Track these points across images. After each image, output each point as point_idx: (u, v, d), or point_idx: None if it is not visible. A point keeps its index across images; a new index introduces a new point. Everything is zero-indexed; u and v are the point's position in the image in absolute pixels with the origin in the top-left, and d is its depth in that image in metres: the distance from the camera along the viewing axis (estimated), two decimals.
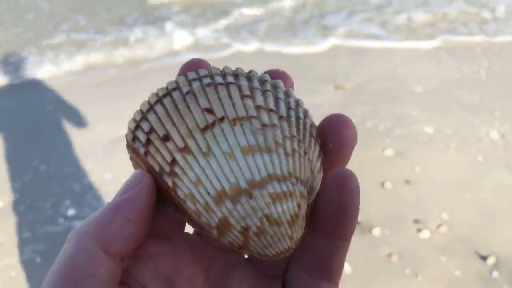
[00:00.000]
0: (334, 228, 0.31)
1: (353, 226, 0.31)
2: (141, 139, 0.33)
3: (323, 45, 3.29)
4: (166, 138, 0.31)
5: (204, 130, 0.30)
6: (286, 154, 0.30)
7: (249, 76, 0.34)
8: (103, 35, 3.51)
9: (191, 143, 0.30)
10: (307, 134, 0.32)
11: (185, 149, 0.30)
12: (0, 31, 3.64)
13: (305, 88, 2.55)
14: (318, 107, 2.36)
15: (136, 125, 0.33)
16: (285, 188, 0.30)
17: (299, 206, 0.30)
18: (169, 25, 3.54)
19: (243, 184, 0.29)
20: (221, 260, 0.35)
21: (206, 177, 0.30)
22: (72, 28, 3.66)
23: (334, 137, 0.32)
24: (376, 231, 1.61)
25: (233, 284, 0.34)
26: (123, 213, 0.30)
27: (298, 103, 0.34)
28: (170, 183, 0.31)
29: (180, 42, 3.36)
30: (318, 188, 0.33)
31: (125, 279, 0.31)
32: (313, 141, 0.33)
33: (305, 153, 0.32)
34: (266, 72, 0.35)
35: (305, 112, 0.34)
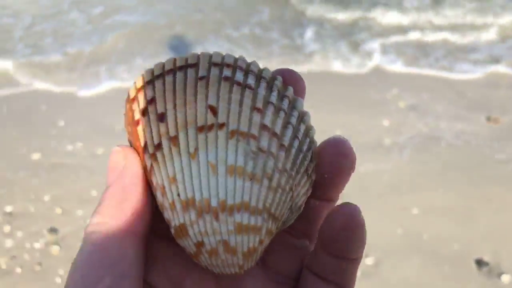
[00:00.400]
0: (342, 251, 0.30)
1: (362, 249, 0.31)
2: (140, 104, 0.31)
3: (481, 71, 3.04)
4: (162, 118, 0.30)
5: (200, 129, 0.29)
6: (269, 188, 0.29)
7: (271, 84, 0.32)
8: None
9: (182, 137, 0.29)
10: (301, 170, 0.31)
11: (174, 140, 0.29)
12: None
13: (451, 113, 2.40)
14: (460, 134, 2.21)
15: (142, 86, 0.32)
16: (253, 222, 0.29)
17: (261, 242, 0.29)
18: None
19: (214, 203, 0.28)
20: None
21: (182, 178, 0.28)
22: None
23: (330, 167, 0.31)
24: (506, 278, 1.47)
25: (248, 283, 0.33)
26: (131, 188, 0.30)
27: (308, 133, 0.32)
28: (148, 165, 0.30)
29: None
30: (291, 222, 0.32)
31: None
32: (305, 178, 0.31)
33: (290, 189, 0.30)
34: (278, 71, 0.33)
35: (310, 144, 0.32)
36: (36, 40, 3.35)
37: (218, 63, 0.31)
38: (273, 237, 0.31)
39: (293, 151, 0.30)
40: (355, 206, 0.30)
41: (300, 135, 0.31)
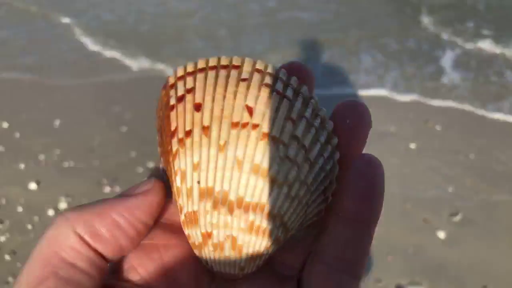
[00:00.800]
0: (359, 208, 0.29)
1: (378, 210, 0.29)
2: (178, 91, 0.31)
3: None
4: (198, 107, 0.30)
5: (233, 125, 0.29)
6: (287, 196, 0.29)
7: (308, 101, 0.31)
8: None
9: (214, 128, 0.29)
10: (320, 188, 0.31)
11: (206, 130, 0.29)
12: None
13: None
14: None
15: (183, 75, 0.32)
16: (265, 225, 0.28)
17: (267, 247, 0.29)
18: None
19: (232, 197, 0.28)
20: None
21: (206, 166, 0.28)
22: None
23: (352, 116, 0.31)
24: None
25: (243, 284, 0.32)
26: (114, 214, 0.28)
27: (333, 155, 0.31)
28: (174, 148, 0.30)
29: None
30: (296, 238, 0.32)
31: (127, 269, 0.30)
32: (321, 197, 0.31)
33: (306, 203, 0.30)
34: (289, 65, 0.34)
35: (333, 167, 0.31)
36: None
37: (261, 70, 0.31)
38: (278, 247, 0.30)
39: (317, 167, 0.30)
40: (374, 156, 0.30)
41: (326, 154, 0.31)
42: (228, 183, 0.28)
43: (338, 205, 0.30)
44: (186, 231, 0.30)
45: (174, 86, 0.32)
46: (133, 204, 0.29)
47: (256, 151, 0.28)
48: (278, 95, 0.30)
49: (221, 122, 0.29)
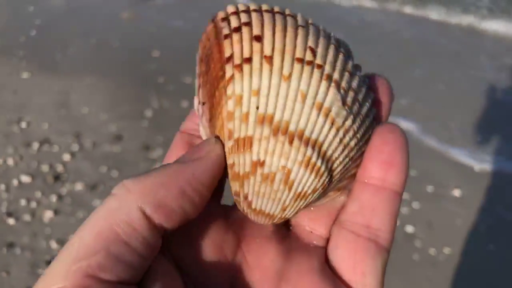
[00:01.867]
0: (385, 174, 0.29)
1: (405, 177, 0.29)
2: (232, 23, 0.30)
3: None
4: (258, 38, 0.28)
5: (297, 60, 0.28)
6: (341, 141, 0.28)
7: (358, 67, 0.32)
8: None
9: (277, 59, 0.28)
10: (363, 146, 0.31)
11: (268, 59, 0.28)
12: None
13: None
14: None
15: (235, 11, 0.31)
16: (319, 164, 0.28)
17: (313, 191, 0.28)
18: None
19: (292, 127, 0.27)
20: (256, 232, 0.32)
21: (267, 93, 0.27)
22: None
23: (377, 87, 0.32)
24: None
25: (269, 253, 0.31)
26: (180, 182, 0.27)
27: (373, 121, 0.31)
28: (228, 73, 0.28)
29: None
30: (328, 196, 0.31)
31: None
32: (360, 152, 0.30)
33: (352, 158, 0.29)
34: (368, 75, 0.33)
35: (371, 127, 0.31)
36: None
37: (314, 24, 0.31)
38: (319, 196, 0.29)
39: (366, 123, 0.30)
40: (398, 127, 0.30)
41: (370, 115, 0.30)
42: (290, 113, 0.27)
43: (364, 172, 0.30)
44: (232, 159, 0.28)
45: (226, 19, 0.30)
46: (199, 169, 0.27)
47: (319, 90, 0.27)
48: (334, 47, 0.30)
49: (284, 54, 0.28)
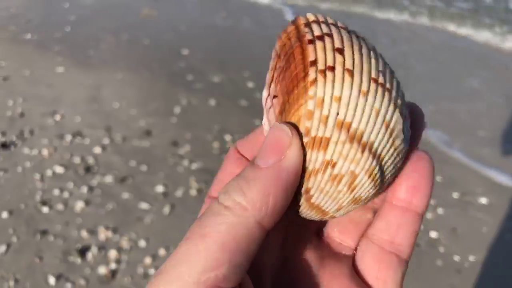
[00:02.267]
0: (411, 198, 0.33)
1: (428, 200, 0.33)
2: (315, 30, 0.32)
3: None
4: (340, 51, 0.31)
5: (373, 80, 0.30)
6: (392, 163, 0.31)
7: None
8: None
9: (356, 75, 0.30)
10: (403, 155, 0.33)
11: (349, 72, 0.30)
12: None
13: None
14: None
15: (315, 20, 0.33)
16: (377, 176, 0.31)
17: (366, 199, 0.32)
18: None
19: (365, 138, 0.29)
20: (297, 234, 0.36)
21: (347, 102, 0.29)
22: None
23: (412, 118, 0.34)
24: None
25: (305, 258, 0.35)
26: (281, 184, 0.29)
27: (407, 127, 0.33)
28: (312, 76, 0.30)
29: None
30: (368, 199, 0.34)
31: None
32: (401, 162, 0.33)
33: (396, 165, 0.32)
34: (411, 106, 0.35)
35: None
36: None
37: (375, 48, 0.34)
38: (366, 203, 0.33)
39: (406, 136, 0.32)
40: (428, 157, 0.33)
41: (409, 141, 0.33)
42: (365, 125, 0.29)
43: (393, 194, 0.33)
44: (308, 153, 0.30)
45: (308, 25, 0.32)
46: (290, 167, 0.29)
47: (388, 110, 0.30)
48: (392, 75, 0.32)
49: (362, 72, 0.30)
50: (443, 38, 3.95)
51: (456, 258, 1.81)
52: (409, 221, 0.33)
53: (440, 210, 2.03)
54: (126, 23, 3.88)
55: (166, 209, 1.96)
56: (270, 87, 0.34)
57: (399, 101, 0.31)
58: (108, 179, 2.13)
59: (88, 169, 2.18)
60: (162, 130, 2.50)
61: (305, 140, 0.30)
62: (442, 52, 3.69)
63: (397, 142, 0.31)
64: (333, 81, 0.29)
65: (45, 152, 2.28)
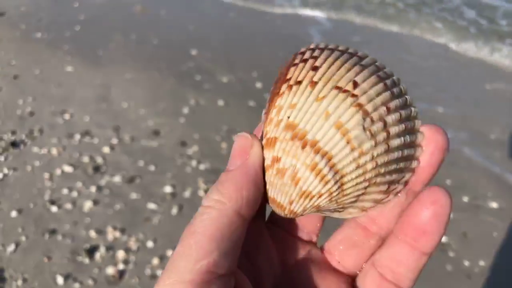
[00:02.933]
0: (418, 237, 0.32)
1: (437, 242, 0.32)
2: (305, 55, 0.36)
3: None
4: (316, 68, 0.34)
5: (336, 87, 0.33)
6: (354, 161, 0.32)
7: (408, 108, 0.35)
8: None
9: (320, 85, 0.33)
10: (387, 178, 0.34)
11: (313, 84, 0.33)
12: None
13: None
14: None
15: (313, 48, 0.37)
16: (325, 172, 0.32)
17: (319, 195, 0.33)
18: None
19: (309, 137, 0.32)
20: (296, 249, 0.39)
21: (300, 107, 0.33)
22: None
23: (430, 144, 0.33)
24: None
25: (305, 269, 0.37)
26: (252, 179, 0.33)
27: (411, 158, 0.34)
28: (281, 91, 0.35)
29: None
30: (348, 214, 0.36)
31: None
32: (385, 186, 0.34)
33: (368, 181, 0.33)
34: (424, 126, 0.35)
35: (407, 170, 0.34)
36: None
37: (379, 66, 0.35)
38: (327, 204, 0.34)
39: (392, 156, 0.33)
40: (444, 188, 0.31)
41: (405, 153, 0.33)
42: (311, 126, 0.32)
43: (399, 229, 0.33)
44: (264, 153, 0.34)
45: (302, 53, 0.37)
46: (256, 163, 0.34)
47: (345, 113, 0.32)
48: (385, 86, 0.34)
49: (327, 82, 0.33)
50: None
51: (466, 263, 1.79)
52: (412, 258, 0.33)
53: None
54: (135, 23, 3.89)
55: (174, 210, 1.96)
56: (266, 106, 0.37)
57: (368, 106, 0.32)
58: (117, 179, 2.13)
59: (96, 168, 2.19)
60: (170, 130, 2.50)
61: (263, 142, 0.34)
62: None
63: (355, 142, 0.32)
64: (296, 92, 0.34)
65: (54, 151, 2.29)
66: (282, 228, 0.40)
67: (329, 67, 0.34)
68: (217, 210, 0.32)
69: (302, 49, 0.38)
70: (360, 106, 0.32)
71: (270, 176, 0.34)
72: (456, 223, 1.98)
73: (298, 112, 0.33)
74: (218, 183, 0.34)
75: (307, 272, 0.37)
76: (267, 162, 0.34)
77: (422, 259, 0.33)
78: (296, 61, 0.36)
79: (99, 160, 2.25)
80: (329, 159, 0.32)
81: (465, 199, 2.12)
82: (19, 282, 1.61)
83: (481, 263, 1.79)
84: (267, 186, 0.35)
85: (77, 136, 2.41)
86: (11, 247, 1.74)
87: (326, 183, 0.33)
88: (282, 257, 0.38)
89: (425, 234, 0.32)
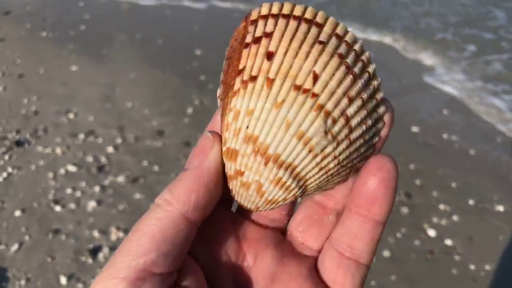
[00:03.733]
0: (369, 206, 0.32)
1: (388, 209, 0.33)
2: (258, 30, 0.33)
3: None
4: (270, 56, 0.31)
5: (295, 88, 0.31)
6: (317, 165, 0.32)
7: (370, 83, 0.33)
8: None
9: (277, 83, 0.31)
10: (348, 165, 0.33)
11: (269, 83, 0.31)
12: None
13: None
14: None
15: (266, 15, 0.33)
16: (289, 183, 0.32)
17: (284, 200, 0.33)
18: None
19: (271, 151, 0.31)
20: (257, 232, 0.38)
21: (258, 115, 0.31)
22: None
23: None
24: None
25: (266, 257, 0.37)
26: (203, 182, 0.32)
27: (371, 143, 0.34)
28: (236, 86, 0.32)
29: None
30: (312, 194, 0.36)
31: None
32: (345, 173, 0.34)
33: (331, 175, 0.33)
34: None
35: (365, 155, 0.34)
36: None
37: (340, 36, 0.33)
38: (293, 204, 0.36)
39: (353, 147, 0.33)
40: (389, 156, 0.32)
41: (367, 139, 0.33)
42: (272, 138, 0.31)
43: (351, 202, 0.33)
44: (224, 160, 0.33)
45: (255, 22, 0.33)
46: (211, 166, 0.33)
47: (305, 120, 0.31)
48: (346, 69, 0.32)
49: (285, 79, 0.31)
50: None
51: (472, 266, 1.77)
52: (367, 230, 0.33)
53: (455, 217, 1.99)
54: (140, 22, 3.89)
55: None
56: (220, 87, 0.36)
57: (328, 105, 0.31)
58: (120, 178, 2.13)
59: (100, 168, 2.19)
60: (174, 130, 2.49)
61: (223, 149, 0.33)
62: None
63: (318, 148, 0.31)
64: (252, 93, 0.31)
65: (58, 150, 2.29)
66: (247, 217, 0.39)
67: (285, 53, 0.31)
68: (163, 211, 0.32)
69: (254, 15, 0.34)
70: (320, 108, 0.31)
71: (235, 186, 0.34)
72: (462, 226, 1.96)
73: (257, 122, 0.31)
74: (172, 182, 0.33)
75: (267, 261, 0.37)
76: (230, 173, 0.33)
77: (378, 229, 0.33)
78: (248, 38, 0.33)
79: (103, 160, 2.25)
80: (293, 170, 0.32)
81: (471, 202, 2.10)
82: (22, 282, 1.61)
83: (487, 267, 1.78)
84: (233, 193, 0.34)
85: (81, 136, 2.41)
86: (14, 247, 1.74)
87: (291, 191, 0.33)
88: (244, 247, 0.38)
89: (376, 201, 0.32)
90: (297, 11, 0.33)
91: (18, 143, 2.33)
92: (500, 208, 2.07)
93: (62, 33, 3.65)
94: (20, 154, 2.26)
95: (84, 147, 2.33)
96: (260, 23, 0.33)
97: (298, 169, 0.32)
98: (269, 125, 0.31)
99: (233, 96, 0.32)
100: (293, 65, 0.31)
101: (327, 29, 0.33)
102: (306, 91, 0.31)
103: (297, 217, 0.39)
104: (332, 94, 0.31)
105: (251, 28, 0.33)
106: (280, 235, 0.39)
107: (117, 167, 2.21)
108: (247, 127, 0.31)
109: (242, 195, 0.34)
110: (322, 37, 0.32)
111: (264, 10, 0.34)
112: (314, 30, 0.32)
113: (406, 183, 2.17)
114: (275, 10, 0.33)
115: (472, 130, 2.67)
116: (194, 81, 2.98)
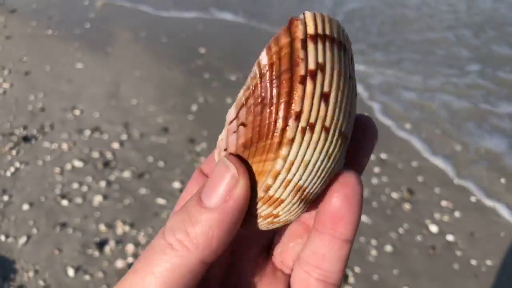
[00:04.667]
0: (334, 226, 0.31)
1: (354, 226, 0.32)
2: (309, 60, 0.28)
3: None
4: (326, 98, 0.28)
5: (340, 135, 0.30)
6: (321, 189, 0.32)
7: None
8: None
9: (331, 132, 0.29)
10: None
11: (326, 131, 0.29)
12: None
13: None
14: None
15: (314, 35, 0.29)
16: (304, 211, 0.33)
17: (278, 223, 0.33)
18: None
19: (309, 195, 0.31)
20: (245, 248, 0.38)
21: (312, 169, 0.30)
22: None
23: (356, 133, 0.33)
24: None
25: (248, 274, 0.37)
26: (226, 226, 0.30)
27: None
28: (290, 133, 0.28)
29: None
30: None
31: None
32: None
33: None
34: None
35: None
36: None
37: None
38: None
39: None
40: (355, 174, 0.31)
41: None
42: (317, 187, 0.31)
43: (317, 222, 0.32)
44: (259, 204, 0.32)
45: (304, 43, 0.28)
46: (235, 211, 0.30)
47: (338, 162, 0.31)
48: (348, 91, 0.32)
49: (336, 128, 0.29)
50: None
51: (474, 262, 1.79)
52: (334, 250, 0.32)
53: (457, 214, 2.01)
54: (145, 20, 3.92)
55: None
56: (240, 109, 0.31)
57: (347, 141, 0.31)
58: (126, 174, 2.15)
59: (106, 164, 2.21)
60: (179, 127, 2.52)
61: (261, 194, 0.30)
62: None
63: (325, 174, 0.31)
64: (308, 144, 0.28)
65: (64, 146, 2.32)
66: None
67: (336, 96, 0.28)
68: (179, 256, 0.29)
69: (299, 30, 0.28)
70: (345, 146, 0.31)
71: (260, 223, 0.33)
72: (463, 222, 1.98)
73: (309, 175, 0.29)
74: (187, 218, 0.30)
75: (247, 278, 0.37)
76: (262, 214, 0.32)
77: (344, 248, 0.32)
78: (301, 68, 0.28)
79: (109, 155, 2.28)
80: (310, 199, 0.32)
81: (473, 198, 2.12)
82: (31, 274, 1.63)
83: (488, 262, 1.79)
84: (248, 214, 0.32)
85: (87, 132, 2.44)
86: (22, 239, 1.77)
87: (296, 213, 0.33)
88: (230, 258, 0.38)
89: (341, 220, 0.31)
90: (335, 33, 0.29)
91: (25, 139, 2.36)
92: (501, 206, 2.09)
93: (68, 31, 3.69)
94: (27, 150, 2.29)
95: (90, 143, 2.36)
96: (311, 47, 0.28)
97: (306, 192, 0.31)
98: (318, 178, 0.30)
99: (286, 143, 0.28)
100: (341, 109, 0.29)
101: (348, 52, 0.30)
102: (345, 138, 0.30)
103: (280, 234, 0.39)
104: (337, 126, 0.31)
105: (302, 54, 0.28)
106: (264, 252, 0.39)
107: (122, 162, 2.23)
108: (300, 179, 0.29)
109: (262, 216, 0.33)
110: (346, 73, 0.29)
111: (311, 28, 0.28)
112: (344, 60, 0.29)
113: (409, 180, 2.19)
114: (319, 29, 0.28)
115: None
116: (198, 79, 3.00)
